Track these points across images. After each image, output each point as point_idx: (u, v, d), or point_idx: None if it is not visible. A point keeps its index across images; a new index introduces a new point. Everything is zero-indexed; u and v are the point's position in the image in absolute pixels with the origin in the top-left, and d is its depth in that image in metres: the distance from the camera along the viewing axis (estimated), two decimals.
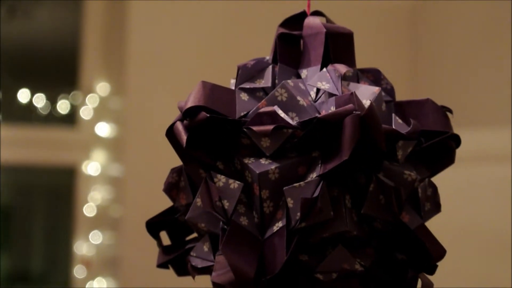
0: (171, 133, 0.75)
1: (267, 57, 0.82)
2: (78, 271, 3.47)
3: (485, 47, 2.93)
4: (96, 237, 3.40)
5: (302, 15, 0.82)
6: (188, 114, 0.72)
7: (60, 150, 3.66)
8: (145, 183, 3.06)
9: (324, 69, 0.76)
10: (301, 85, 0.76)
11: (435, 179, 0.83)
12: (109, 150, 3.42)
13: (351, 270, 0.71)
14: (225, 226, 0.71)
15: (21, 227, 4.35)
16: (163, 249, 0.82)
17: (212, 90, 0.73)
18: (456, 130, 0.83)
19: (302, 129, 0.70)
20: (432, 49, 3.24)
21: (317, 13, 0.81)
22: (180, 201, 0.77)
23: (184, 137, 0.72)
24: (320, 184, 0.68)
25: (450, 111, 0.80)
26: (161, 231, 0.80)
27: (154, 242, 3.23)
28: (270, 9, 3.12)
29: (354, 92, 0.70)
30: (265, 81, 0.78)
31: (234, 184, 0.70)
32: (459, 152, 0.84)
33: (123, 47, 3.17)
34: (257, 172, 0.69)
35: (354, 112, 0.68)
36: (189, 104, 0.72)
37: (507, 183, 2.54)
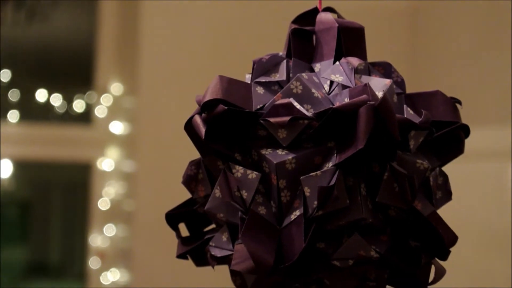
0: (189, 126, 0.74)
1: (281, 53, 0.81)
2: (93, 262, 3.48)
3: (483, 48, 2.92)
4: (110, 230, 3.41)
5: (314, 12, 0.81)
6: (206, 107, 0.71)
7: (76, 147, 3.67)
8: (157, 178, 3.08)
9: (337, 63, 0.75)
10: (315, 78, 0.75)
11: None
12: (122, 147, 3.44)
13: (367, 256, 0.71)
14: (244, 216, 0.70)
15: (39, 220, 4.36)
16: (182, 240, 0.81)
17: (229, 84, 0.73)
18: None
19: (317, 120, 0.70)
20: (431, 50, 3.22)
21: (328, 9, 0.81)
22: (199, 193, 0.75)
23: (202, 129, 0.71)
24: (336, 173, 0.68)
25: (460, 103, 0.79)
26: (180, 223, 0.79)
27: (165, 234, 3.23)
28: (280, 8, 3.12)
29: (368, 83, 0.70)
30: (280, 75, 0.77)
31: (252, 175, 0.69)
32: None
33: (135, 49, 3.18)
34: (275, 162, 0.69)
35: (368, 102, 0.68)
36: (208, 97, 0.71)
37: (504, 180, 2.54)
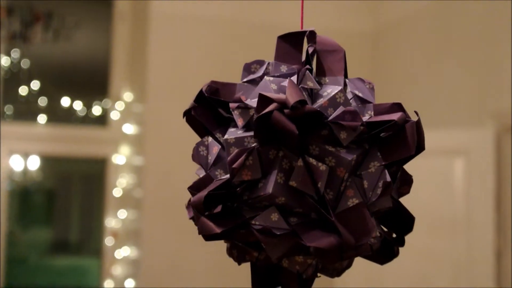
0: (276, 119, 0.67)
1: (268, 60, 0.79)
2: (108, 241, 3.50)
3: (432, 63, 2.93)
4: (122, 213, 3.42)
5: (302, 34, 0.79)
6: (294, 107, 0.67)
7: (94, 145, 3.67)
8: (161, 171, 3.08)
9: (352, 80, 0.75)
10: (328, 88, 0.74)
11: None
12: (133, 145, 3.44)
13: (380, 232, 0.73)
14: (315, 203, 0.67)
15: (62, 206, 4.36)
16: (216, 221, 0.71)
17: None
18: None
19: (367, 127, 0.70)
20: (389, 67, 3.23)
21: (312, 32, 0.78)
22: (242, 177, 0.68)
23: (292, 125, 0.66)
24: (385, 171, 0.69)
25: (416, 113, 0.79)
26: (218, 204, 0.71)
27: (168, 217, 3.21)
28: (275, 24, 3.13)
29: (400, 103, 0.71)
30: (258, 73, 0.77)
31: (323, 167, 0.67)
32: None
33: (144, 64, 3.18)
34: (349, 159, 0.68)
35: (406, 119, 0.70)
36: (296, 98, 0.67)
37: (451, 173, 2.56)
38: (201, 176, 0.73)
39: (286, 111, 0.67)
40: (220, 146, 0.73)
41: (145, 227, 3.06)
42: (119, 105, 3.52)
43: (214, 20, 3.13)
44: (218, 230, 0.68)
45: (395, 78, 3.11)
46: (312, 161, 0.67)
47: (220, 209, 0.69)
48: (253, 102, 0.72)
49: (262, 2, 3.19)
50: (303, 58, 0.77)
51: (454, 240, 2.51)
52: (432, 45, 2.89)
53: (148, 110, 3.12)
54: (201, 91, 0.76)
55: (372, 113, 0.72)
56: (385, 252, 0.76)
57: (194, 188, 0.71)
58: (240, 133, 0.71)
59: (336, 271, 0.76)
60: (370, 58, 3.28)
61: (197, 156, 0.74)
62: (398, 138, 0.70)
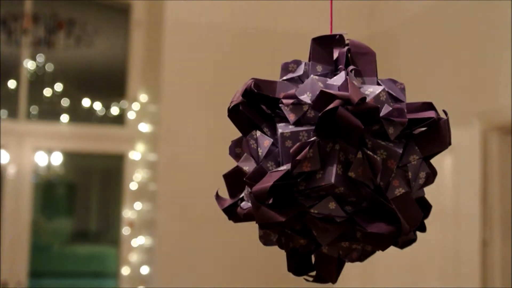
0: (341, 115, 0.65)
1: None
2: (125, 230, 3.51)
3: (423, 64, 2.92)
4: (138, 205, 3.42)
5: (333, 37, 0.77)
6: (358, 104, 0.66)
7: (112, 142, 3.68)
8: (174, 166, 3.07)
9: (383, 81, 0.74)
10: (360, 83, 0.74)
11: None
12: (147, 143, 3.44)
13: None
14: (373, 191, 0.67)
15: (82, 198, 4.38)
16: (278, 210, 0.67)
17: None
18: None
19: (409, 123, 0.70)
20: (384, 70, 3.21)
21: (342, 36, 0.77)
22: (303, 168, 0.66)
23: (356, 120, 0.65)
24: (424, 163, 0.70)
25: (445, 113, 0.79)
26: (276, 194, 0.67)
27: (180, 208, 3.23)
28: (280, 31, 3.15)
29: (431, 102, 0.72)
30: (298, 72, 0.76)
31: (378, 159, 0.66)
32: None
33: (158, 68, 3.18)
34: (400, 152, 0.68)
35: (437, 117, 0.71)
36: (359, 96, 0.66)
37: (440, 168, 2.56)
38: (248, 168, 0.71)
39: (349, 107, 0.65)
40: (271, 140, 0.70)
41: (159, 218, 3.07)
42: (135, 106, 3.53)
43: (223, 27, 3.14)
44: (282, 218, 0.66)
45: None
46: (370, 154, 0.66)
47: (272, 200, 0.66)
48: (304, 98, 0.70)
49: (270, 10, 3.19)
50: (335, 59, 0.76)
51: (443, 230, 2.52)
52: (423, 51, 2.89)
53: (162, 110, 3.13)
54: (248, 87, 0.72)
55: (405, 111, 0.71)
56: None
57: (251, 179, 0.69)
58: (292, 127, 0.69)
59: (364, 255, 0.75)
60: None
61: (248, 149, 0.72)
62: (434, 134, 0.70)
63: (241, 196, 0.75)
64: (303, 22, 3.14)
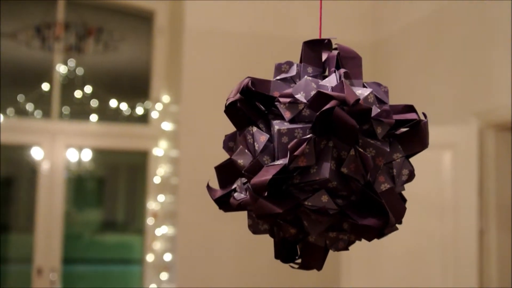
0: (337, 115, 0.65)
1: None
2: (150, 221, 3.53)
3: (424, 68, 2.90)
4: (161, 197, 3.43)
5: (322, 41, 0.77)
6: (354, 104, 0.65)
7: (137, 139, 3.70)
8: (193, 161, 3.08)
9: (369, 84, 0.74)
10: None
11: None
12: (170, 140, 3.45)
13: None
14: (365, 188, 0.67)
15: (111, 191, 4.40)
16: (275, 202, 0.66)
17: None
18: None
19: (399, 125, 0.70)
20: (389, 74, 3.17)
21: (330, 40, 0.77)
22: (298, 163, 0.65)
23: (352, 120, 0.65)
24: (406, 161, 0.71)
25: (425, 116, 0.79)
26: (272, 187, 0.66)
27: (199, 200, 3.21)
28: (291, 36, 3.13)
29: (412, 105, 0.72)
30: (291, 72, 0.76)
31: (369, 156, 0.66)
32: None
33: (179, 71, 3.19)
34: (387, 150, 0.69)
35: (419, 119, 0.71)
36: (354, 97, 0.66)
37: (441, 164, 2.51)
38: (242, 161, 0.71)
39: (345, 108, 0.65)
40: (267, 136, 0.69)
41: (180, 209, 3.10)
42: (158, 106, 3.56)
43: (240, 33, 3.16)
44: (279, 210, 0.65)
45: (392, 84, 3.08)
46: (362, 151, 0.66)
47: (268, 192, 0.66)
48: (299, 97, 0.70)
49: (285, 18, 3.19)
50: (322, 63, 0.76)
51: (443, 221, 2.51)
52: (424, 55, 2.87)
53: (182, 110, 3.15)
54: (245, 85, 0.71)
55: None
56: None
57: (249, 172, 0.68)
58: (287, 124, 0.69)
59: (349, 244, 0.75)
60: (371, 66, 3.22)
61: (245, 143, 0.71)
62: (415, 135, 0.71)
63: (233, 187, 0.74)
64: (312, 30, 3.13)
